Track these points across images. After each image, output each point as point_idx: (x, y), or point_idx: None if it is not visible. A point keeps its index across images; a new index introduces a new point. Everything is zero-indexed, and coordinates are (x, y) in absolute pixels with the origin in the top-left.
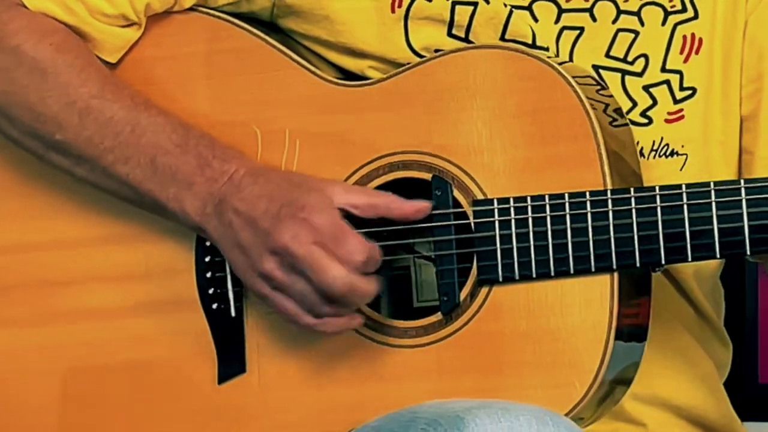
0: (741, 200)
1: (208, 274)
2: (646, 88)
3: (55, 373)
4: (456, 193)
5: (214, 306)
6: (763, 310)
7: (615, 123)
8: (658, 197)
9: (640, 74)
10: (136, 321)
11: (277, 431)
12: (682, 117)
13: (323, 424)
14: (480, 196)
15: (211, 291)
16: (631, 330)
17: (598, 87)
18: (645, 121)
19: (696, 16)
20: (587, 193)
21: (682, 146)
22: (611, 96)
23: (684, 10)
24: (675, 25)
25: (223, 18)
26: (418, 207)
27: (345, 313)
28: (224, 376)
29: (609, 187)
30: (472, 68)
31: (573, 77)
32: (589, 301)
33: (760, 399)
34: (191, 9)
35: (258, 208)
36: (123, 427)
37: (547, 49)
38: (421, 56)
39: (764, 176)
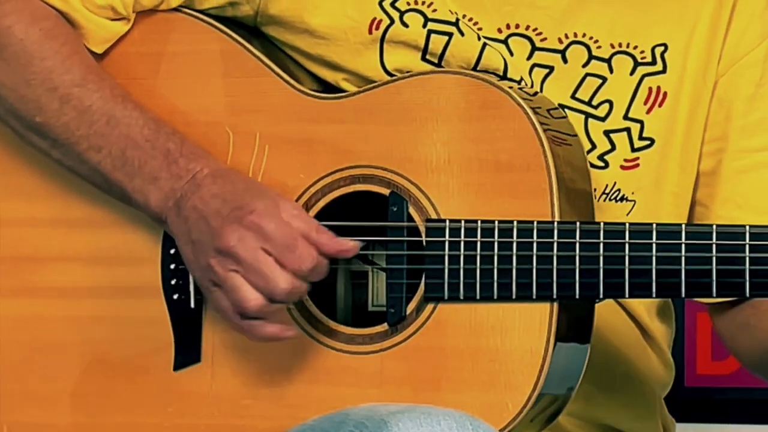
0: (681, 244)
1: (172, 266)
2: (606, 132)
3: (19, 344)
4: (411, 210)
5: (175, 296)
6: (689, 317)
7: (582, 160)
8: (602, 233)
9: (602, 119)
10: (101, 302)
11: (224, 420)
12: (638, 165)
13: (267, 418)
14: (434, 215)
15: (173, 282)
16: (570, 354)
17: (567, 122)
18: (602, 164)
19: (664, 71)
20: (535, 223)
21: (633, 193)
22: (576, 135)
23: (654, 63)
24: (643, 76)
25: (207, 21)
26: (347, 247)
27: (275, 319)
28: (179, 363)
29: (557, 218)
30: (437, 91)
31: (535, 108)
32: (528, 326)
33: (686, 401)
34: (177, 9)
35: (211, 207)
36: (80, 402)
37: (519, 81)
38: (392, 76)
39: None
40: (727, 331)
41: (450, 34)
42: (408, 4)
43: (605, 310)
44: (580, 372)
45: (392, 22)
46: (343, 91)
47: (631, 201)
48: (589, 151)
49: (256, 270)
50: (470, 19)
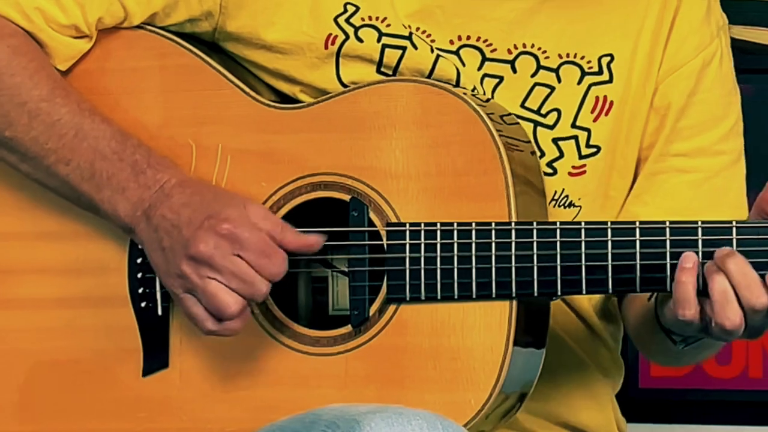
0: (635, 240)
1: (139, 275)
2: (555, 140)
3: None
4: (372, 215)
5: (143, 304)
6: None
7: (535, 165)
8: (558, 232)
9: (551, 127)
10: (70, 312)
11: (194, 423)
12: (584, 172)
13: (235, 421)
14: (394, 219)
15: (140, 290)
16: (528, 352)
17: (519, 127)
18: (550, 171)
19: (611, 80)
20: (493, 224)
21: (579, 199)
22: (529, 141)
23: (600, 72)
24: (590, 86)
25: (169, 37)
26: (310, 242)
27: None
28: (148, 369)
29: (513, 219)
30: (394, 99)
31: (489, 114)
32: (488, 324)
33: (640, 402)
34: (139, 26)
35: (183, 216)
36: (52, 410)
37: (472, 90)
38: None
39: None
40: (622, 311)
41: (404, 48)
42: (362, 19)
43: (557, 312)
44: (537, 368)
45: (347, 37)
46: (301, 102)
47: (577, 206)
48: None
49: (237, 276)
50: (423, 32)
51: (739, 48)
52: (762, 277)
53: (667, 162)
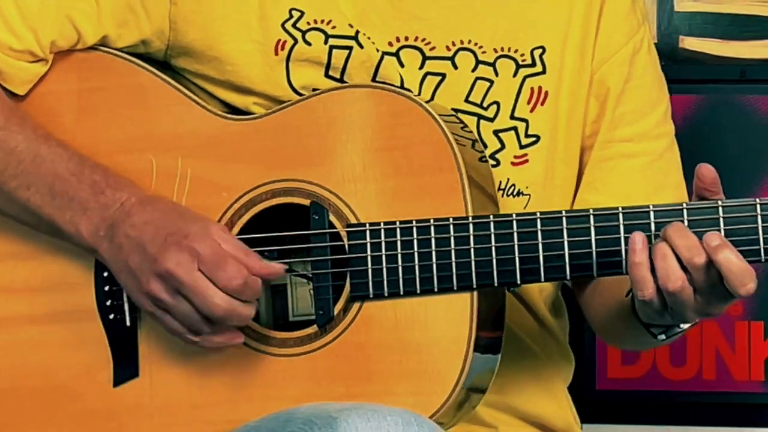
0: (590, 227)
1: (106, 288)
2: (496, 132)
3: None
4: (332, 218)
5: (111, 316)
6: None
7: (481, 159)
8: (514, 223)
9: (491, 119)
10: (40, 329)
11: (167, 429)
12: (527, 161)
13: (208, 423)
14: (354, 221)
15: (108, 303)
16: (488, 341)
17: (463, 125)
18: (494, 162)
19: (544, 71)
20: (450, 219)
21: (527, 187)
22: (471, 132)
23: (533, 64)
24: (524, 78)
25: (122, 56)
26: (273, 270)
27: (225, 331)
28: (119, 379)
29: (470, 214)
30: (348, 105)
31: (439, 115)
32: (451, 317)
33: (597, 403)
34: (93, 47)
35: (146, 234)
36: (24, 424)
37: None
38: (300, 94)
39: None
40: (583, 302)
41: (350, 48)
42: (308, 23)
43: (510, 307)
44: (497, 359)
45: (296, 41)
46: (255, 113)
47: (526, 195)
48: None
49: (195, 290)
50: (364, 34)
51: (692, 59)
52: (699, 237)
53: (614, 148)
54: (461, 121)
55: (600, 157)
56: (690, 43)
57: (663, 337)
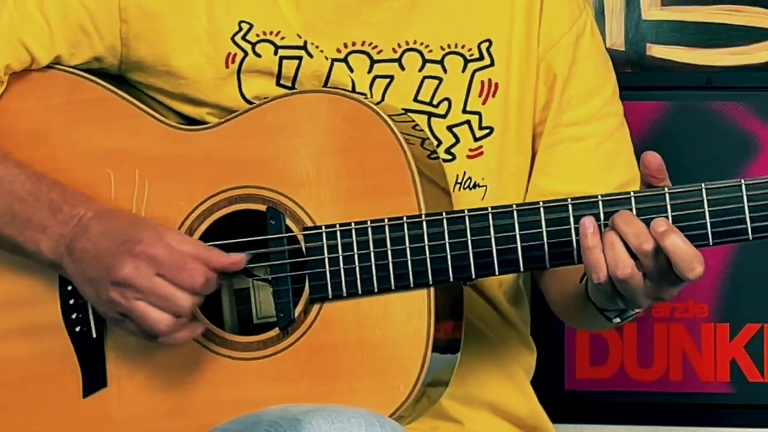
0: (540, 219)
1: (71, 301)
2: (449, 128)
3: None
4: (288, 222)
5: (77, 329)
6: (570, 326)
7: (432, 156)
8: (467, 218)
9: (443, 116)
10: (8, 345)
11: None
12: (482, 153)
13: (177, 430)
14: (310, 224)
15: (74, 316)
16: (447, 335)
17: (414, 124)
18: (449, 157)
19: (492, 64)
20: (404, 218)
21: (482, 179)
22: (422, 130)
23: (481, 58)
24: (474, 72)
25: (77, 73)
26: (235, 260)
27: (186, 325)
28: (88, 390)
29: (423, 211)
30: (299, 110)
31: (389, 115)
32: (409, 313)
33: (566, 404)
34: (48, 66)
35: (101, 246)
36: None
37: (364, 95)
38: (252, 104)
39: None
40: (543, 286)
41: (300, 57)
42: (257, 35)
43: (469, 299)
44: (458, 352)
45: (246, 54)
46: (209, 123)
47: (482, 186)
48: (436, 147)
49: (157, 294)
50: (312, 43)
51: (659, 66)
52: (647, 224)
53: (562, 133)
54: (412, 120)
55: (549, 142)
56: (657, 51)
57: (618, 320)
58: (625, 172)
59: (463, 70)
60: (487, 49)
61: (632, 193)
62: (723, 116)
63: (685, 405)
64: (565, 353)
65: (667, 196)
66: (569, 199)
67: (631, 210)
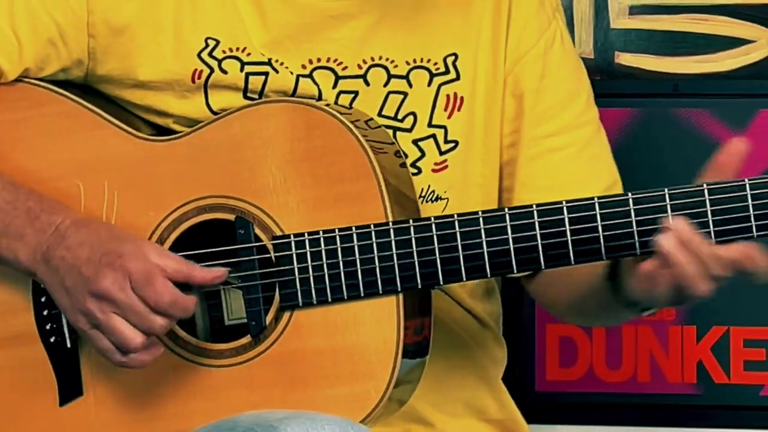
0: (506, 226)
1: (45, 312)
2: (415, 142)
3: None
4: (257, 231)
5: (52, 339)
6: (539, 327)
7: (401, 165)
8: (433, 226)
9: (409, 130)
10: None
11: None
12: (446, 167)
13: None
14: (278, 232)
15: (48, 326)
16: (417, 338)
17: (385, 133)
18: (415, 171)
19: (458, 78)
20: (372, 226)
21: (445, 192)
22: (394, 142)
23: (447, 72)
24: (439, 86)
25: (43, 86)
26: (216, 274)
27: (149, 348)
28: (64, 399)
29: (390, 219)
30: (265, 120)
31: (356, 123)
32: (379, 319)
33: (536, 404)
34: (16, 80)
35: (81, 255)
36: None
37: (329, 105)
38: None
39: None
40: (536, 287)
41: (266, 73)
42: (224, 52)
43: (438, 300)
44: (426, 355)
45: (212, 70)
46: (175, 132)
47: (444, 199)
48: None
49: (133, 310)
50: (277, 60)
51: (627, 74)
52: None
53: (541, 145)
54: (380, 127)
55: (529, 156)
56: (625, 59)
57: (652, 311)
58: (608, 176)
59: (429, 84)
60: (453, 63)
61: (596, 199)
62: (690, 122)
63: (653, 406)
64: (535, 355)
65: (630, 201)
66: (534, 206)
67: (595, 216)
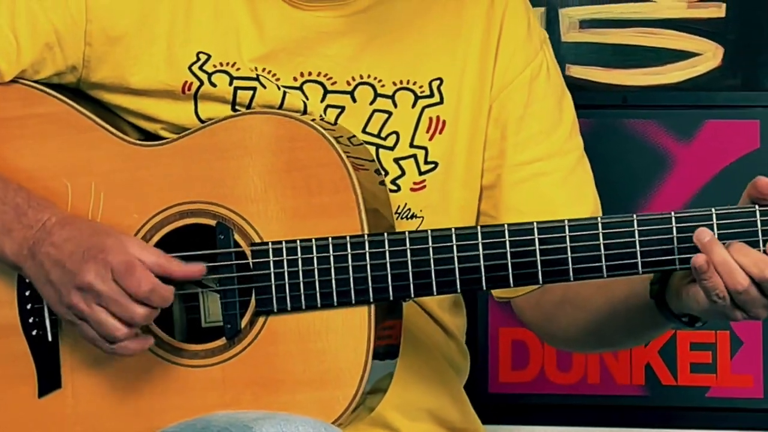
0: (478, 243)
1: (28, 306)
2: (396, 160)
3: None
4: (237, 237)
5: (34, 332)
6: (492, 331)
7: (381, 183)
8: (407, 240)
9: (391, 148)
10: None
11: None
12: (425, 187)
13: (126, 429)
14: (257, 239)
15: (31, 320)
16: (386, 348)
17: (367, 150)
18: (394, 188)
19: (441, 102)
20: (348, 237)
21: (421, 210)
22: (374, 160)
23: (431, 95)
24: (423, 108)
25: (37, 87)
26: (195, 270)
27: (138, 338)
28: (43, 391)
29: (366, 232)
30: (249, 130)
31: (338, 139)
32: (350, 328)
33: (490, 406)
34: (12, 80)
35: (65, 251)
36: None
37: (313, 119)
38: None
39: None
40: (541, 316)
41: (254, 88)
42: (214, 66)
43: (409, 311)
44: (394, 365)
45: (201, 83)
46: (163, 138)
47: (419, 218)
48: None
49: (115, 300)
50: (269, 72)
51: (577, 86)
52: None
53: (526, 170)
54: (362, 144)
55: (514, 181)
56: (576, 71)
57: (699, 324)
58: (592, 202)
59: (413, 106)
60: (438, 87)
61: (566, 222)
62: (638, 133)
63: (603, 407)
64: (489, 358)
65: (600, 224)
66: (506, 225)
67: (564, 238)
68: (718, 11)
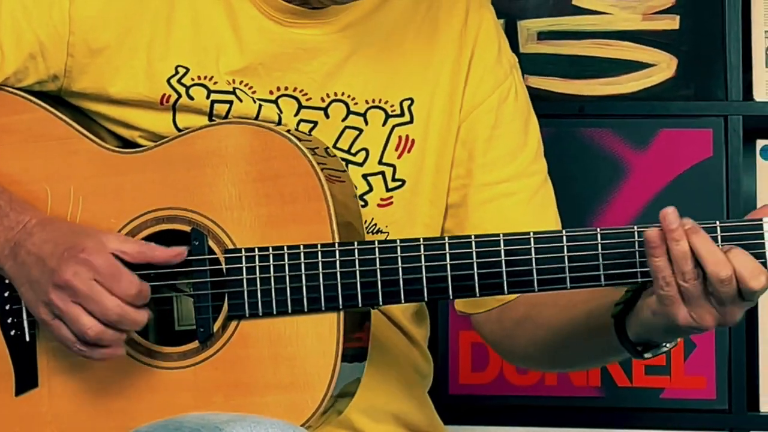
0: (445, 254)
1: (6, 307)
2: (364, 176)
3: None
4: (211, 243)
5: (12, 333)
6: (453, 334)
7: (354, 195)
8: (377, 249)
9: (360, 164)
10: None
11: None
12: (391, 203)
13: (101, 429)
14: (231, 246)
15: (9, 320)
16: (355, 351)
17: (340, 163)
18: (362, 203)
19: (411, 121)
20: (319, 245)
21: (387, 226)
22: (345, 171)
23: (402, 114)
24: (393, 127)
25: (18, 93)
26: (176, 252)
27: (112, 344)
28: (20, 389)
29: (337, 240)
30: (224, 139)
31: (312, 150)
32: (320, 333)
33: (450, 407)
34: None
35: (46, 250)
36: None
37: (288, 130)
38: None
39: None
40: (501, 332)
41: (231, 102)
42: (192, 79)
43: (377, 321)
44: (362, 370)
45: (180, 96)
46: (140, 146)
47: (385, 233)
48: None
49: (91, 298)
50: (246, 84)
51: (538, 96)
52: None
53: (492, 190)
54: (336, 156)
55: (480, 201)
56: (534, 82)
57: (649, 355)
58: (554, 223)
59: (384, 124)
60: (408, 107)
61: (531, 234)
62: (595, 141)
63: (560, 408)
64: (449, 361)
65: (564, 237)
66: (473, 236)
67: (530, 249)
68: (672, 23)
